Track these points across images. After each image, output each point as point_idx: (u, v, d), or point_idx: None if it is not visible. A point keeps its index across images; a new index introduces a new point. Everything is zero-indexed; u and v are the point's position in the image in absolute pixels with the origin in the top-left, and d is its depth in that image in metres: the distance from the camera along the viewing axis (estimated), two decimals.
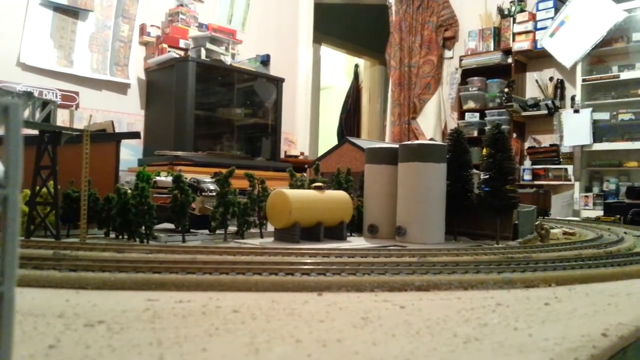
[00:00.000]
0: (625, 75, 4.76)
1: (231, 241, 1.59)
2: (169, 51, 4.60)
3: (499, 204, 1.63)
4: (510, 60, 5.49)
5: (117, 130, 3.66)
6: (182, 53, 4.66)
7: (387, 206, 1.76)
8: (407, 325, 0.65)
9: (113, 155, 1.92)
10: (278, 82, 5.29)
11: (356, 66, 8.67)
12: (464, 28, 6.07)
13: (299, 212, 1.55)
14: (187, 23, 4.85)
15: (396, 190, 1.73)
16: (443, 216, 1.69)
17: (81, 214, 1.40)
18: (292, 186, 1.82)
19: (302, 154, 5.97)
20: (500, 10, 5.70)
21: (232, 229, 1.64)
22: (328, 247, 1.41)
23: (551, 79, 5.39)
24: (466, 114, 5.76)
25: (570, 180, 5.02)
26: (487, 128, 5.37)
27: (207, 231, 1.69)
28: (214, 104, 4.99)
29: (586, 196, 4.88)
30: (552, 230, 1.89)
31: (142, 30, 4.74)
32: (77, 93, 4.32)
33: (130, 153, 4.49)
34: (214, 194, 1.66)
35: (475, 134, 5.57)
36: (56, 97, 4.12)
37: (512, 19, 5.53)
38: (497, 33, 5.68)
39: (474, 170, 1.84)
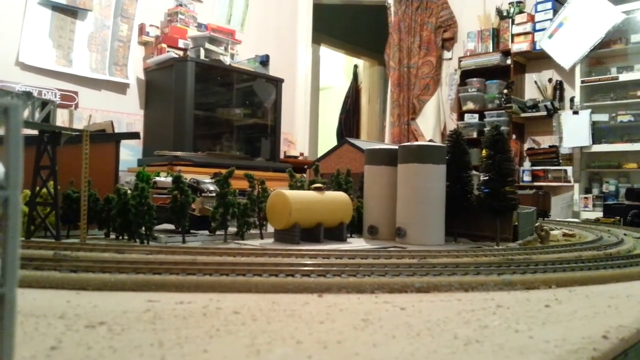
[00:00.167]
0: (624, 76, 4.77)
1: (231, 242, 1.59)
2: (168, 51, 4.60)
3: (498, 206, 1.63)
4: (509, 61, 5.50)
5: (116, 131, 3.66)
6: (181, 53, 4.66)
7: (387, 207, 1.76)
8: (407, 327, 0.65)
9: (113, 156, 1.92)
10: (277, 82, 5.29)
11: (355, 67, 8.67)
12: (462, 29, 6.08)
13: (299, 213, 1.55)
14: (186, 23, 4.85)
15: (396, 191, 1.73)
16: (443, 217, 1.69)
17: (81, 215, 1.40)
18: (291, 187, 1.81)
19: (301, 154, 5.98)
20: (499, 12, 5.71)
21: (232, 229, 1.63)
22: (328, 248, 1.41)
23: (550, 80, 5.40)
24: (465, 115, 5.77)
25: (569, 181, 5.03)
26: (486, 129, 5.37)
27: (207, 232, 1.69)
28: (213, 104, 4.99)
29: (586, 197, 4.89)
30: (552, 232, 1.89)
31: (141, 30, 4.74)
32: (76, 93, 4.32)
33: (129, 153, 4.49)
34: (214, 194, 1.66)
35: (475, 135, 5.58)
36: (55, 96, 4.12)
37: (510, 20, 5.54)
38: (496, 34, 5.69)
39: (474, 172, 1.84)
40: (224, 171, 1.60)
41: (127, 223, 1.47)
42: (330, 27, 7.40)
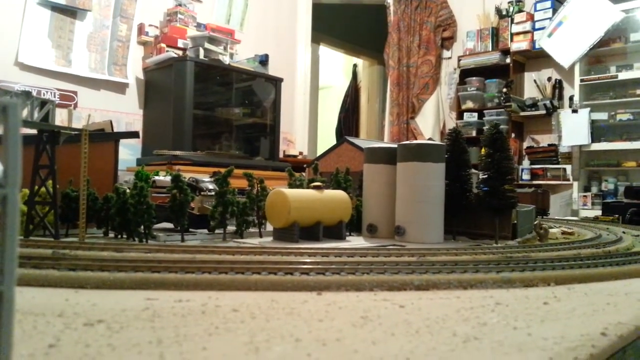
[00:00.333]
0: (624, 75, 4.77)
1: (230, 240, 1.59)
2: (167, 51, 4.60)
3: (497, 204, 1.64)
4: (508, 60, 5.50)
5: (115, 130, 3.66)
6: (180, 53, 4.65)
7: (386, 206, 1.76)
8: (406, 325, 0.65)
9: (112, 155, 1.91)
10: (277, 81, 5.29)
11: (355, 66, 8.67)
12: (462, 28, 6.08)
13: (298, 212, 1.55)
14: (185, 23, 4.85)
15: (395, 190, 1.73)
16: (442, 216, 1.69)
17: (80, 214, 1.40)
18: (291, 186, 1.81)
19: (300, 153, 5.97)
20: (498, 11, 5.70)
21: (231, 228, 1.63)
22: (327, 246, 1.41)
23: (549, 79, 5.40)
24: (464, 113, 5.76)
25: (568, 180, 5.03)
26: (485, 128, 5.37)
27: (206, 231, 1.69)
28: (212, 104, 4.99)
29: (585, 196, 4.89)
30: (550, 230, 1.89)
31: (141, 29, 4.73)
32: (75, 93, 4.31)
33: (128, 152, 4.49)
34: (213, 193, 1.66)
35: (474, 133, 5.58)
36: (54, 96, 4.12)
37: (510, 19, 5.54)
38: (495, 33, 5.69)
39: (473, 170, 1.84)
40: (223, 170, 1.60)
41: (126, 222, 1.47)
42: (330, 27, 7.40)
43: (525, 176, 5.29)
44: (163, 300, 0.75)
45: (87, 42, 4.39)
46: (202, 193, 1.70)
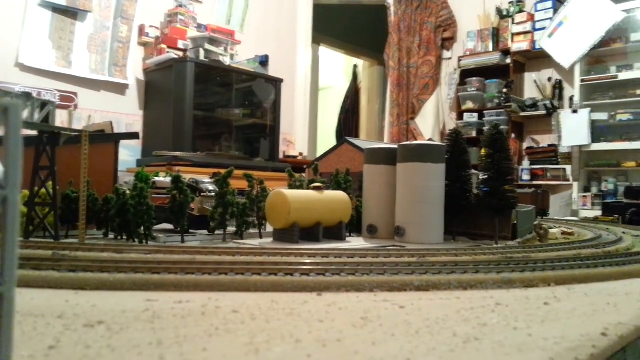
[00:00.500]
0: (624, 75, 4.77)
1: (230, 242, 1.59)
2: (167, 52, 4.60)
3: (497, 204, 1.64)
4: (508, 60, 5.50)
5: (115, 131, 3.66)
6: (180, 54, 4.65)
7: (386, 206, 1.76)
8: (406, 325, 0.65)
9: (112, 156, 1.91)
10: (277, 82, 5.29)
11: (355, 67, 8.67)
12: (462, 29, 6.08)
13: (298, 213, 1.55)
14: (185, 24, 4.85)
15: (395, 190, 1.73)
16: (442, 216, 1.69)
17: (80, 215, 1.40)
18: (291, 186, 1.82)
19: (300, 154, 5.98)
20: (498, 11, 5.71)
21: (231, 229, 1.63)
22: (327, 247, 1.41)
23: (550, 79, 5.40)
24: (465, 114, 5.76)
25: (568, 180, 5.03)
26: (485, 128, 5.37)
27: (206, 232, 1.69)
28: (212, 105, 4.99)
29: (585, 196, 4.89)
30: (550, 230, 1.89)
31: (141, 31, 4.74)
32: (75, 94, 4.32)
33: (128, 154, 4.49)
34: (213, 194, 1.66)
35: (474, 134, 5.58)
36: (55, 97, 4.12)
37: (510, 19, 5.54)
38: (496, 34, 5.69)
39: (473, 171, 1.84)
40: (223, 171, 1.61)
41: (126, 223, 1.47)
42: (330, 27, 7.40)
43: (526, 176, 5.29)
44: (163, 302, 0.75)
45: (87, 43, 4.39)
46: (202, 194, 1.70)
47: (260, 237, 1.70)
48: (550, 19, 5.15)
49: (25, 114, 1.30)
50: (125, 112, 4.67)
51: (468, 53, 5.88)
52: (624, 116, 4.79)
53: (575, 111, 4.92)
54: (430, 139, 5.55)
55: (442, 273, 0.95)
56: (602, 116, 4.87)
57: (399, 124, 6.33)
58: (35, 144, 1.37)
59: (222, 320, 0.66)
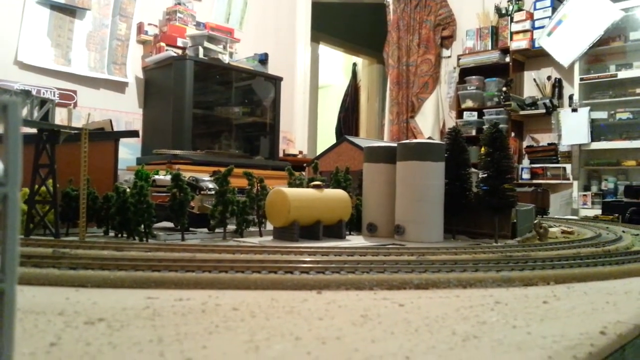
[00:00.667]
0: (623, 74, 4.77)
1: (230, 240, 1.59)
2: (166, 50, 4.59)
3: (497, 203, 1.64)
4: (508, 59, 5.50)
5: (115, 129, 3.66)
6: (179, 52, 4.65)
7: (386, 205, 1.76)
8: (406, 323, 0.66)
9: (112, 154, 1.92)
10: (276, 80, 5.28)
11: (354, 65, 8.67)
12: (461, 27, 6.08)
13: (298, 211, 1.55)
14: (184, 22, 4.84)
15: (395, 189, 1.73)
16: (441, 215, 1.69)
17: (80, 213, 1.40)
18: (290, 185, 1.82)
19: (300, 152, 5.97)
20: (497, 9, 5.70)
21: (231, 227, 1.64)
22: (327, 245, 1.41)
23: (549, 77, 5.40)
24: (464, 112, 5.76)
25: (568, 179, 5.03)
26: (485, 127, 5.37)
27: (206, 230, 1.69)
28: (212, 103, 4.99)
29: (584, 195, 4.89)
30: (550, 229, 1.89)
31: (140, 28, 4.73)
32: (74, 92, 4.31)
33: (128, 152, 4.49)
34: (213, 192, 1.66)
35: (474, 132, 5.57)
36: (54, 95, 4.12)
37: (509, 17, 5.53)
38: (495, 32, 5.68)
39: (472, 169, 1.84)
40: (223, 169, 1.61)
41: (126, 221, 1.47)
42: (329, 26, 7.40)
43: (525, 175, 5.29)
44: (163, 299, 0.75)
45: (86, 41, 4.39)
46: (202, 192, 1.71)
47: (260, 235, 1.70)
48: (549, 17, 5.15)
49: (24, 112, 1.30)
50: (125, 110, 4.67)
51: (467, 51, 5.88)
52: (623, 115, 4.79)
53: (574, 110, 4.92)
54: (429, 138, 5.55)
55: (441, 271, 0.95)
56: (601, 115, 4.87)
57: (398, 122, 6.33)
58: (35, 142, 1.37)
59: (222, 317, 0.66)
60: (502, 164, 1.63)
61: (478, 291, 0.88)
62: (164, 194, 1.69)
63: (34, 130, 1.39)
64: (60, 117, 4.09)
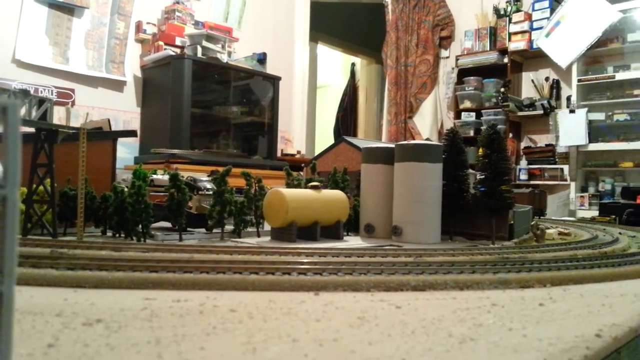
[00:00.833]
0: (621, 75, 4.78)
1: (228, 240, 1.59)
2: (165, 49, 4.59)
3: (494, 204, 1.64)
4: (506, 60, 5.50)
5: (113, 128, 3.66)
6: (178, 51, 4.65)
7: (384, 206, 1.77)
8: (402, 325, 0.66)
9: (110, 154, 1.91)
10: (274, 80, 5.28)
11: (352, 65, 8.67)
12: (460, 27, 6.08)
13: (296, 212, 1.55)
14: (183, 21, 4.84)
15: (392, 190, 1.73)
16: (439, 216, 1.69)
17: (78, 212, 1.40)
18: (288, 185, 1.82)
19: (298, 152, 5.97)
20: (496, 10, 5.71)
21: (229, 227, 1.64)
22: (325, 246, 1.41)
23: (547, 79, 5.41)
24: (462, 113, 5.77)
25: (566, 180, 5.04)
26: (483, 128, 5.38)
27: (204, 230, 1.69)
28: (210, 102, 4.99)
29: (582, 196, 4.90)
30: (547, 231, 1.90)
31: (138, 27, 4.72)
32: (72, 90, 4.30)
33: (126, 151, 4.48)
34: (211, 192, 1.66)
35: (472, 133, 5.58)
36: (52, 94, 4.11)
37: (508, 18, 5.54)
38: (493, 33, 5.69)
39: (470, 170, 1.84)
40: (221, 169, 1.61)
41: (124, 221, 1.47)
42: (328, 25, 7.40)
43: (523, 176, 5.30)
44: (161, 300, 0.75)
45: (84, 39, 4.38)
46: (200, 192, 1.71)
47: (258, 235, 1.71)
48: (548, 18, 5.16)
49: (22, 111, 1.30)
50: (123, 109, 4.67)
51: (465, 52, 5.89)
52: (621, 116, 4.80)
53: (572, 111, 4.93)
54: (427, 139, 5.56)
55: (438, 273, 0.96)
56: (599, 116, 4.88)
57: (396, 122, 6.34)
58: (33, 141, 1.37)
59: (220, 319, 0.66)
60: (499, 166, 1.63)
61: (475, 293, 0.88)
62: (162, 194, 1.69)
63: (32, 130, 1.39)
64: (58, 115, 4.08)
